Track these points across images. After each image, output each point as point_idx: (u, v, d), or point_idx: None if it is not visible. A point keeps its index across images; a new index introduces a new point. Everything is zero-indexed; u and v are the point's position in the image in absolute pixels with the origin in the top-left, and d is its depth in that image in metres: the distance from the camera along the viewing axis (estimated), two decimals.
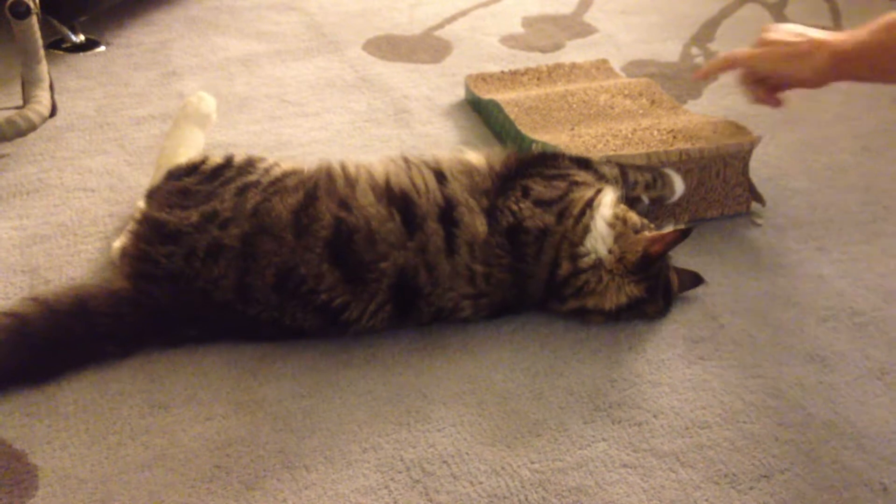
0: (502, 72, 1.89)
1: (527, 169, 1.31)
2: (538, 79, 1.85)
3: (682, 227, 1.22)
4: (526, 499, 1.01)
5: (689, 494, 1.02)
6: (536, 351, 1.22)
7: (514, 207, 1.24)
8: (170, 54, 2.09)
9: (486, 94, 1.79)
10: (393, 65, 2.07)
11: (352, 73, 2.02)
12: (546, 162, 1.35)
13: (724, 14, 2.38)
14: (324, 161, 1.30)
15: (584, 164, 1.36)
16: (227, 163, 1.33)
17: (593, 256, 1.22)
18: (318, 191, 1.23)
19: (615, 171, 1.36)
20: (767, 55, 1.41)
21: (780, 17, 2.34)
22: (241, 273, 1.17)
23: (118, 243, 1.31)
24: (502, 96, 1.76)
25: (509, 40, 2.21)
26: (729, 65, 1.48)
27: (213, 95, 1.82)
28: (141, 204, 1.29)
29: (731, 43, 2.18)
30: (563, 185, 1.29)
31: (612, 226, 1.24)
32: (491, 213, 1.24)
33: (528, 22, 2.33)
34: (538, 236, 1.23)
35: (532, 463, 1.05)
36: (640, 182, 1.38)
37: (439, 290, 1.20)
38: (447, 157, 1.32)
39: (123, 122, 1.78)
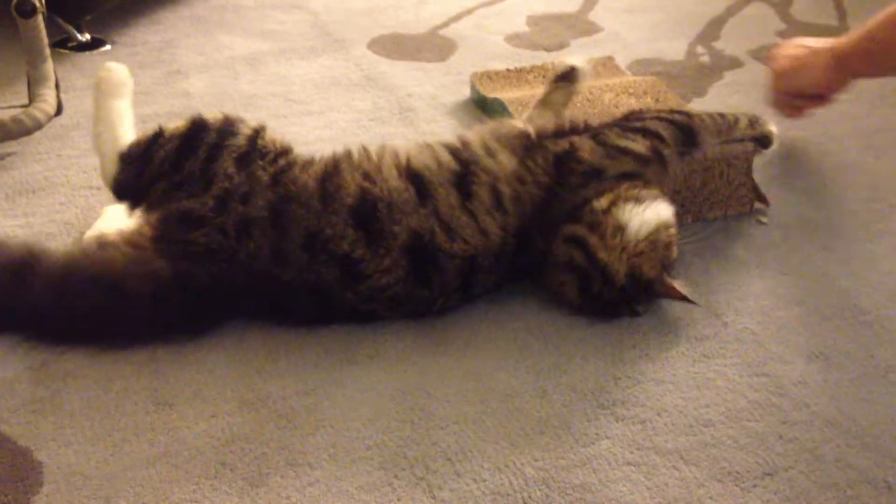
0: (508, 70, 1.89)
1: (606, 123, 1.36)
2: (544, 77, 1.84)
3: (689, 298, 1.24)
4: (529, 496, 1.01)
5: (693, 492, 1.02)
6: (540, 349, 1.22)
7: (576, 139, 1.28)
8: (175, 53, 2.10)
9: (492, 93, 1.79)
10: (398, 63, 2.08)
11: (357, 71, 2.03)
12: (629, 116, 1.38)
13: (729, 12, 2.37)
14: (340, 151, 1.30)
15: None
16: (202, 125, 1.27)
17: (625, 222, 1.23)
18: (341, 164, 1.25)
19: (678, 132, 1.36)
20: (780, 73, 1.56)
21: (786, 16, 2.34)
22: (275, 240, 1.19)
23: (92, 233, 1.32)
24: (507, 94, 1.75)
25: (514, 39, 2.21)
26: (776, 91, 1.61)
27: (218, 94, 1.83)
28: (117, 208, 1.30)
29: (737, 41, 2.18)
30: (643, 140, 1.31)
31: (651, 234, 1.23)
32: (529, 148, 1.27)
33: (533, 20, 2.33)
34: (587, 172, 1.26)
35: (535, 461, 1.05)
36: (741, 119, 1.47)
37: (456, 240, 1.22)
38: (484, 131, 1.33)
39: None
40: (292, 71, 2.02)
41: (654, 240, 1.24)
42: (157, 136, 1.28)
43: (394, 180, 1.23)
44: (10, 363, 1.18)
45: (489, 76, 1.88)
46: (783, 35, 2.22)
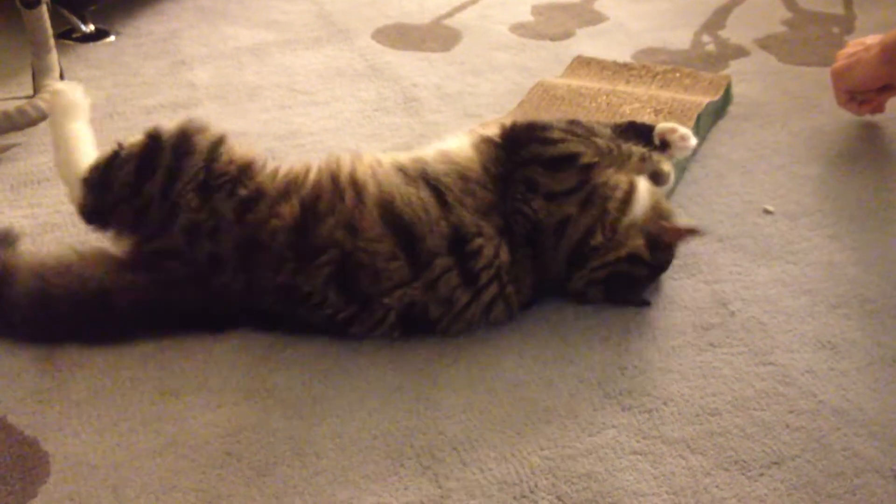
0: (615, 62, 1.89)
1: (519, 150, 1.24)
2: (634, 76, 1.82)
3: (693, 227, 1.25)
4: (535, 485, 1.01)
5: (699, 481, 1.01)
6: (546, 338, 1.22)
7: (527, 210, 1.20)
8: (179, 44, 2.10)
9: (574, 78, 1.79)
10: (402, 53, 2.07)
11: (361, 61, 2.02)
12: (535, 134, 1.26)
13: (735, 1, 2.36)
14: (325, 162, 1.24)
15: (577, 132, 1.29)
16: (156, 143, 1.22)
17: (629, 221, 1.22)
18: (320, 204, 1.18)
19: (609, 144, 1.29)
20: (838, 73, 1.62)
21: (792, 4, 2.33)
22: (247, 279, 1.17)
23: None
24: (568, 81, 1.77)
25: (519, 28, 2.21)
26: (837, 91, 1.66)
27: (223, 85, 1.82)
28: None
29: (743, 30, 2.17)
30: (571, 173, 1.23)
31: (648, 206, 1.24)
32: (507, 228, 1.20)
33: (538, 10, 2.32)
34: (557, 228, 1.21)
35: (542, 450, 1.05)
36: (634, 153, 1.30)
37: (458, 322, 1.19)
38: (441, 165, 1.22)
39: (133, 111, 1.78)
40: (297, 61, 2.02)
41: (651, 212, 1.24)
42: (115, 157, 1.23)
43: (377, 241, 1.15)
44: (16, 354, 1.18)
45: (588, 62, 1.89)
46: (790, 24, 2.22)
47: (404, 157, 1.25)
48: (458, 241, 1.16)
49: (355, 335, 1.19)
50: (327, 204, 1.18)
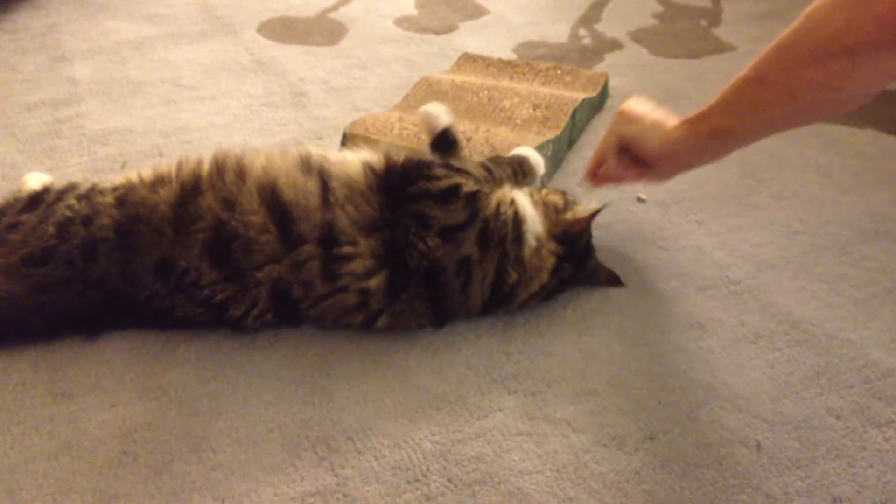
0: (500, 59, 1.93)
1: (407, 187, 1.23)
2: (518, 73, 1.87)
3: (595, 208, 1.29)
4: (428, 469, 1.05)
5: (580, 457, 1.08)
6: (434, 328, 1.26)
7: (422, 246, 1.19)
8: (59, 38, 2.05)
9: (460, 74, 1.83)
10: (288, 47, 2.08)
11: (247, 56, 2.02)
12: (423, 173, 1.25)
13: None
14: (213, 155, 1.26)
15: (455, 168, 1.29)
16: (44, 189, 1.29)
17: (531, 248, 1.26)
18: (202, 183, 1.21)
19: (482, 172, 1.33)
20: (621, 120, 1.29)
21: None
22: (123, 262, 1.17)
23: None
24: (452, 76, 1.81)
25: (403, 22, 2.24)
26: (602, 156, 1.32)
27: (105, 81, 1.79)
28: None
29: (617, 24, 2.25)
30: (460, 205, 1.23)
31: (537, 214, 1.28)
32: (390, 254, 1.19)
33: (421, 3, 2.36)
34: (459, 269, 1.21)
35: (433, 435, 1.10)
36: (504, 178, 1.35)
37: (317, 308, 1.21)
38: (336, 165, 1.24)
39: (13, 109, 1.74)
40: (181, 56, 2.00)
41: (547, 219, 1.30)
42: (9, 203, 1.28)
43: (252, 214, 1.18)
44: None
45: (473, 59, 1.93)
46: (661, 18, 2.31)
47: (315, 150, 1.27)
48: (329, 239, 1.18)
49: (234, 320, 1.20)
50: (207, 184, 1.21)
